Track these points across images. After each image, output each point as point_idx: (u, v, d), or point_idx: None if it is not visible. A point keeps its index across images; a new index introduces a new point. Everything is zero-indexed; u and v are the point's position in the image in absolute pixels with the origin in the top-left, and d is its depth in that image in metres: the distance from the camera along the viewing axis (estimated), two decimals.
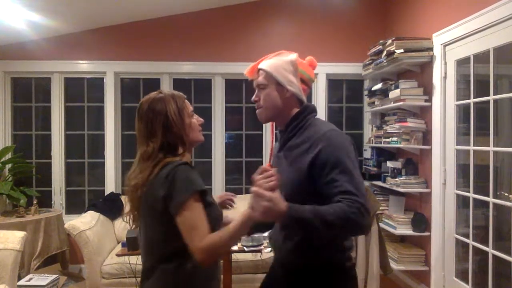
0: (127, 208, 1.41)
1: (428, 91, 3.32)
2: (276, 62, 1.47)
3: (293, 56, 1.51)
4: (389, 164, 3.70)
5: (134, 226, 1.41)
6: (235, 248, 2.75)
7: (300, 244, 1.38)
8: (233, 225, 1.21)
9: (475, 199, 2.83)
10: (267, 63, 1.48)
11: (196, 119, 1.45)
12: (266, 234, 2.61)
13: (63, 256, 3.89)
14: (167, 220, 1.25)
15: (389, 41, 3.41)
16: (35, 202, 3.77)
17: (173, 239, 1.25)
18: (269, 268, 1.63)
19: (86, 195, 4.28)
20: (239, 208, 1.49)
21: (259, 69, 1.50)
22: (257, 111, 1.52)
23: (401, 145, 3.44)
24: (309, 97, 4.34)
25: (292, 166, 1.39)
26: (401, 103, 3.38)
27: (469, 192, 2.87)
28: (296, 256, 1.40)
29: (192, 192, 1.23)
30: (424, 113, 3.42)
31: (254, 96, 1.52)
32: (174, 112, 1.34)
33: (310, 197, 1.28)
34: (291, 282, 1.42)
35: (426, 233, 3.32)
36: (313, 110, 1.52)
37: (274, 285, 1.54)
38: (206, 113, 4.28)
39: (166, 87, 4.23)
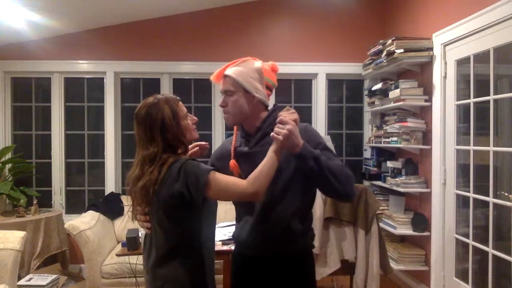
0: (130, 205, 1.53)
1: (428, 91, 3.32)
2: (243, 70, 1.53)
3: (258, 64, 1.57)
4: (389, 164, 3.70)
5: (136, 220, 1.56)
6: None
7: (279, 235, 1.52)
8: (266, 157, 1.39)
9: (475, 199, 2.83)
10: (235, 71, 1.53)
11: (191, 119, 1.54)
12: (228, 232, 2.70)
13: (63, 256, 3.89)
14: (180, 214, 1.41)
15: (389, 41, 3.41)
16: (35, 202, 3.77)
17: (183, 230, 1.43)
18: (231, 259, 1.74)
19: (86, 195, 4.28)
20: None
21: (226, 76, 1.55)
22: (224, 116, 1.58)
23: (401, 145, 3.44)
24: (309, 97, 4.34)
25: None
26: (401, 103, 3.38)
27: (469, 192, 2.87)
28: (275, 246, 1.54)
29: (208, 172, 1.37)
30: (424, 113, 3.42)
31: (221, 102, 1.57)
32: (169, 118, 1.44)
33: (291, 183, 1.50)
34: (270, 269, 1.56)
35: (426, 233, 3.32)
36: (280, 110, 1.62)
37: (248, 274, 1.62)
38: (206, 113, 4.28)
39: (166, 87, 4.23)
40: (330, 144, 3.97)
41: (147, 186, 1.38)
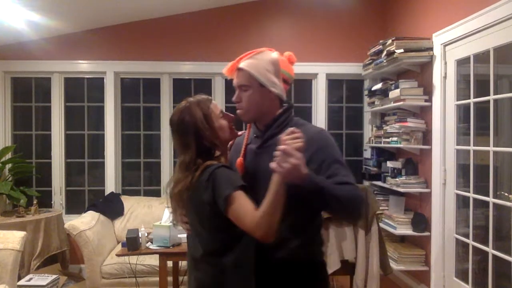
0: (171, 209, 1.51)
1: (428, 91, 3.32)
2: (258, 62, 1.43)
3: (274, 55, 1.46)
4: (389, 164, 3.70)
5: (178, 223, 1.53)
6: None
7: (285, 240, 1.40)
8: (269, 192, 1.25)
9: (475, 199, 2.83)
10: (248, 63, 1.43)
11: (227, 118, 1.48)
12: None
13: (63, 256, 3.89)
14: (212, 220, 1.36)
15: (389, 41, 3.41)
16: (35, 202, 3.77)
17: (218, 235, 1.38)
18: None
19: (86, 195, 4.28)
20: None
21: (239, 69, 1.44)
22: (238, 111, 1.48)
23: (401, 145, 3.44)
24: (309, 97, 4.34)
25: None
26: (401, 103, 3.38)
27: (469, 192, 2.87)
28: (280, 252, 1.41)
29: (234, 188, 1.29)
30: (424, 113, 3.42)
31: (235, 97, 1.47)
32: (201, 121, 1.40)
33: (290, 190, 1.30)
34: (272, 276, 1.44)
35: (426, 233, 3.32)
36: (293, 109, 1.54)
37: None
38: None
39: (166, 87, 4.23)
40: None
41: (181, 192, 1.38)
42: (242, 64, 1.43)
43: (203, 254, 1.42)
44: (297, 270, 1.43)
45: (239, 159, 1.49)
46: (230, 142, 1.61)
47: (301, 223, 1.43)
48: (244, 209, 1.27)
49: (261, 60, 1.43)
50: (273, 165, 1.21)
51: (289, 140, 1.22)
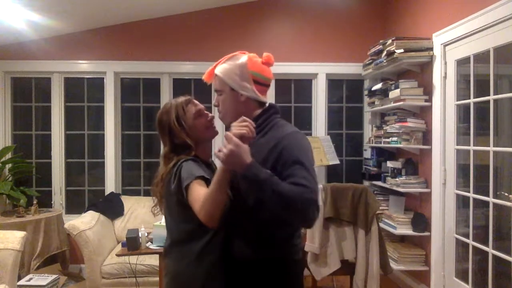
0: (156, 199, 1.62)
1: (428, 91, 3.32)
2: (228, 67, 1.50)
3: (243, 58, 1.50)
4: (389, 164, 3.70)
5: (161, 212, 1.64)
6: None
7: (254, 238, 1.43)
8: (213, 180, 1.32)
9: (475, 199, 2.83)
10: (221, 69, 1.51)
11: (205, 117, 1.60)
12: None
13: (63, 256, 3.89)
14: (179, 210, 1.47)
15: (389, 41, 3.41)
16: (35, 202, 3.77)
17: (183, 224, 1.49)
18: None
19: (86, 195, 4.28)
20: None
21: (215, 74, 1.53)
22: (218, 116, 1.57)
23: (401, 145, 3.44)
24: (309, 97, 4.34)
25: None
26: (401, 103, 3.38)
27: (469, 192, 2.87)
28: (249, 250, 1.44)
29: (192, 179, 1.40)
30: (424, 113, 3.42)
31: (214, 101, 1.56)
32: (173, 122, 1.55)
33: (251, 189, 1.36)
34: (241, 274, 1.47)
35: (426, 233, 3.32)
36: (277, 111, 1.54)
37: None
38: None
39: (166, 87, 4.23)
40: (329, 144, 3.99)
41: (156, 182, 1.54)
42: (216, 70, 1.52)
43: (170, 243, 1.54)
44: (264, 267, 1.43)
45: None
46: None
47: (272, 222, 1.41)
48: (195, 197, 1.36)
49: (232, 64, 1.50)
50: (215, 150, 1.30)
51: (236, 127, 1.30)
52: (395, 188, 3.47)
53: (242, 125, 1.30)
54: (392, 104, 3.51)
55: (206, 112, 1.63)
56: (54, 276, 3.15)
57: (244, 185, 1.35)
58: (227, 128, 1.49)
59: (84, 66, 4.16)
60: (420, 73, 3.47)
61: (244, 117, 1.35)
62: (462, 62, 2.97)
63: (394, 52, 3.30)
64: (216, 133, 1.63)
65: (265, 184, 1.25)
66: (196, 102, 1.64)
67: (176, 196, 1.44)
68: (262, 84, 1.52)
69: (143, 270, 3.32)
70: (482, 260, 2.76)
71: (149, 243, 2.82)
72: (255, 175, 1.26)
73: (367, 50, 3.91)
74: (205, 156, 1.61)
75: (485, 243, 2.69)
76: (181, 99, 1.61)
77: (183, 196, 1.40)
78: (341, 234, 2.89)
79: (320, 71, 4.27)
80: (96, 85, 4.24)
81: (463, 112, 3.01)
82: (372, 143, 4.06)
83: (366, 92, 4.20)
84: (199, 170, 1.45)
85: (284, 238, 1.46)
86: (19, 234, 2.67)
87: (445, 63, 3.13)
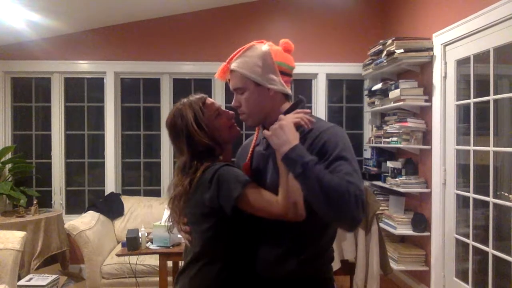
0: (168, 213, 1.44)
1: (428, 91, 3.32)
2: (248, 60, 1.29)
3: (265, 47, 1.32)
4: (389, 164, 3.70)
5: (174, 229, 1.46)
6: None
7: (286, 255, 1.26)
8: (280, 176, 1.20)
9: (475, 199, 2.83)
10: (239, 63, 1.30)
11: (226, 116, 1.40)
12: None
13: (63, 256, 3.89)
14: (208, 223, 1.28)
15: (389, 41, 3.41)
16: (35, 202, 3.77)
17: (209, 240, 1.29)
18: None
19: (86, 195, 4.28)
20: None
21: (231, 71, 1.32)
22: (240, 117, 1.35)
23: (401, 145, 3.44)
24: (309, 97, 4.34)
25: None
26: (401, 103, 3.38)
27: (469, 192, 2.87)
28: (280, 267, 1.26)
29: (243, 186, 1.22)
30: (424, 113, 3.42)
31: (234, 102, 1.34)
32: (192, 124, 1.33)
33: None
34: None
35: (426, 233, 3.32)
36: (305, 103, 1.38)
37: None
38: None
39: (166, 87, 4.23)
40: None
41: (178, 196, 1.31)
42: (233, 65, 1.31)
43: (190, 260, 1.34)
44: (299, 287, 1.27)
45: (245, 163, 1.38)
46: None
47: (309, 234, 1.26)
48: (266, 199, 1.20)
49: (251, 56, 1.30)
50: (265, 131, 1.18)
51: (291, 114, 1.19)
52: (395, 188, 3.47)
53: (299, 116, 1.18)
54: (392, 104, 3.51)
55: (225, 110, 1.42)
56: (54, 276, 3.15)
57: (285, 170, 1.18)
58: (264, 127, 1.34)
59: (84, 66, 4.16)
60: (420, 73, 3.47)
61: (305, 110, 1.23)
62: (462, 62, 2.97)
63: (394, 52, 3.30)
64: (239, 131, 1.42)
65: (308, 169, 1.07)
66: (211, 99, 1.43)
67: (210, 207, 1.26)
68: (287, 74, 1.36)
69: (143, 270, 3.32)
70: (482, 260, 2.76)
71: (149, 243, 2.82)
72: (300, 156, 1.09)
73: (367, 50, 3.91)
74: (228, 160, 1.42)
75: (485, 243, 2.69)
76: (194, 98, 1.39)
77: (220, 207, 1.23)
78: (341, 234, 2.88)
79: (320, 71, 4.28)
80: (96, 85, 4.25)
81: (463, 112, 3.01)
82: (372, 143, 4.06)
83: (366, 92, 4.20)
84: (241, 173, 1.28)
85: (319, 253, 1.28)
86: (19, 234, 2.67)
87: (445, 63, 3.13)
